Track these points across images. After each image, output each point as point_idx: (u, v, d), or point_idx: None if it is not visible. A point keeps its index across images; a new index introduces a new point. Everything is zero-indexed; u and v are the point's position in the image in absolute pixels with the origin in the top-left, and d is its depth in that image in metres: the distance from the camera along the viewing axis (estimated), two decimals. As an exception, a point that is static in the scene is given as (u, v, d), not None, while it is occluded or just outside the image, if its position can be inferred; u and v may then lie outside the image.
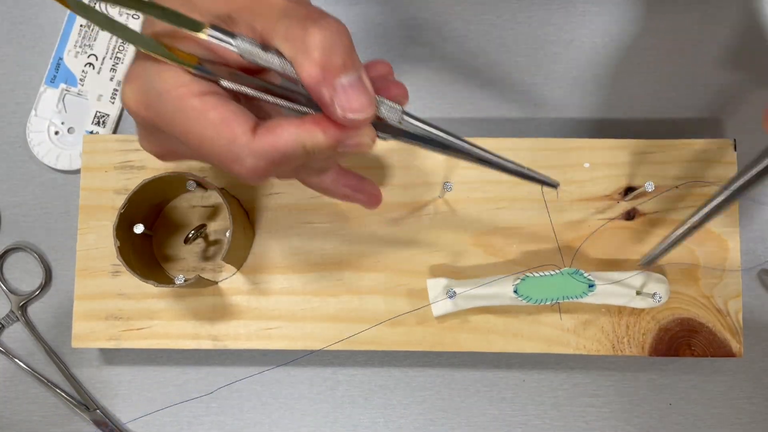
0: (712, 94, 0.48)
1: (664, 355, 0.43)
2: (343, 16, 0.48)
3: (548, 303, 0.41)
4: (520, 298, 0.41)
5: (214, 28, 0.26)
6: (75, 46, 0.48)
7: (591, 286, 0.41)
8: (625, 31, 0.48)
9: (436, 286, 0.42)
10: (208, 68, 0.27)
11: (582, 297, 0.41)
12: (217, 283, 0.44)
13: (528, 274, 0.41)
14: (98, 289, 0.44)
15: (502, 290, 0.41)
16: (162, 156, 0.32)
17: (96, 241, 0.44)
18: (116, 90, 0.48)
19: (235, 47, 0.26)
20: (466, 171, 0.44)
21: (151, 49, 0.26)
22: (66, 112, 0.48)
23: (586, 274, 0.41)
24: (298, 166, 0.30)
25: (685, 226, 0.37)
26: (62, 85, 0.48)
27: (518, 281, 0.41)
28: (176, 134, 0.27)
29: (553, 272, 0.41)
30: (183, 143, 0.28)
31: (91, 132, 0.48)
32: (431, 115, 0.48)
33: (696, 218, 0.37)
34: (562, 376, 0.46)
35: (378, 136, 0.29)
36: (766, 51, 0.48)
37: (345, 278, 0.44)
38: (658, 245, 0.39)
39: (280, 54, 0.27)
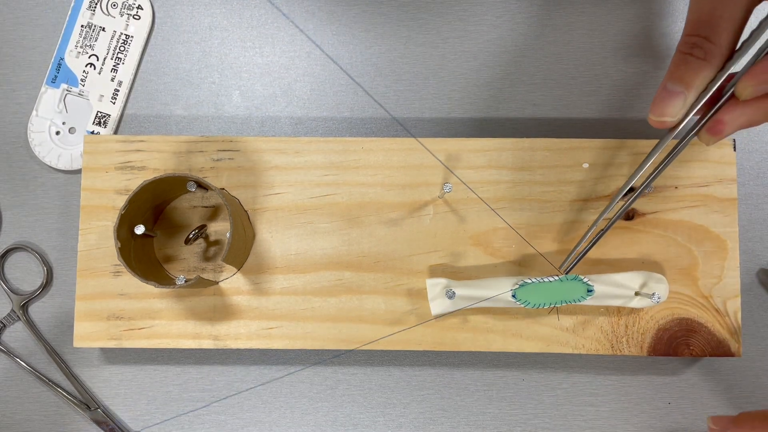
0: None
1: (662, 355, 0.43)
2: (342, 17, 0.49)
3: (547, 307, 0.42)
4: (518, 303, 0.41)
5: None
6: (76, 46, 0.48)
7: (590, 290, 0.41)
8: (623, 32, 0.48)
9: (435, 286, 0.42)
10: None
11: (580, 301, 0.41)
12: (217, 283, 0.44)
13: (526, 280, 0.41)
14: (99, 289, 0.44)
15: (501, 294, 0.41)
16: None
17: (97, 241, 0.44)
18: (117, 90, 0.48)
19: None
20: (466, 171, 0.44)
21: None
22: (67, 112, 0.48)
23: (584, 279, 0.41)
24: None
25: (594, 228, 0.40)
26: (63, 86, 0.48)
27: (516, 287, 0.41)
28: None
29: (551, 278, 0.41)
30: None
31: (92, 132, 0.48)
32: (431, 116, 0.48)
33: (602, 217, 0.40)
34: (561, 376, 0.46)
35: None
36: None
37: (345, 278, 0.44)
38: (573, 249, 0.41)
39: None
